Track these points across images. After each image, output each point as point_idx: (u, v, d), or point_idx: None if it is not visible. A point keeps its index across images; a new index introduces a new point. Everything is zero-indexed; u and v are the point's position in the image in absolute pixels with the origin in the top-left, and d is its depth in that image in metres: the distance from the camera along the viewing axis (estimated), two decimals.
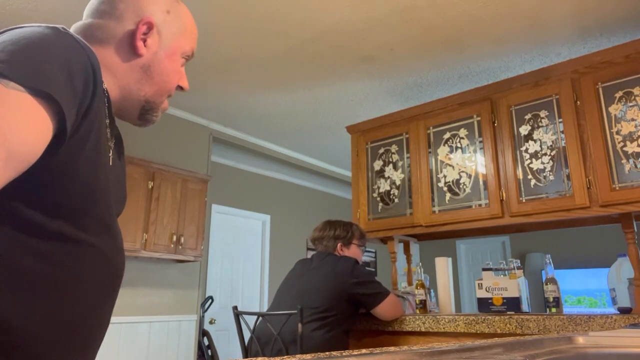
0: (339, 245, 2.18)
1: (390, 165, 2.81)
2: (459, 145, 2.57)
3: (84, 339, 0.72)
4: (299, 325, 1.79)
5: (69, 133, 0.63)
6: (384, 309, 2.01)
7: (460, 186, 2.50)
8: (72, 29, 0.82)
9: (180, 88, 0.90)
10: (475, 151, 2.50)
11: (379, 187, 2.83)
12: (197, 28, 0.94)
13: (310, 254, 6.12)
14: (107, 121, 0.78)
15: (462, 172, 2.52)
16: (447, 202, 2.52)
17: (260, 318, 1.95)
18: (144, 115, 0.87)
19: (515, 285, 2.08)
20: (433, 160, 2.64)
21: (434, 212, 2.55)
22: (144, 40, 0.83)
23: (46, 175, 0.64)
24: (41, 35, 0.64)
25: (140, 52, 0.83)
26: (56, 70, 0.62)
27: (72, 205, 0.69)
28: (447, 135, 2.62)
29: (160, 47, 0.86)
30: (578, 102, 2.21)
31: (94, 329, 0.75)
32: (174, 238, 3.73)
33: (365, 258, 6.91)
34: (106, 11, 0.83)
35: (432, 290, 2.58)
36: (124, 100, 0.84)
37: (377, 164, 2.87)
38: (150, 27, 0.84)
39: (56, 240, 0.67)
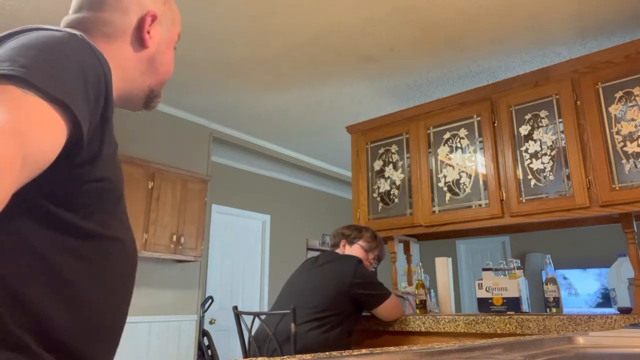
0: (342, 242, 2.20)
1: (390, 165, 2.81)
2: (459, 145, 2.57)
3: (115, 330, 0.76)
4: (292, 325, 1.78)
5: (85, 141, 0.65)
6: (385, 310, 2.01)
7: (460, 186, 2.50)
8: (64, 23, 0.82)
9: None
10: (475, 151, 2.50)
11: (379, 187, 2.83)
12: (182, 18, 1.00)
13: (310, 254, 6.12)
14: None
15: (462, 172, 2.52)
16: (447, 202, 2.52)
17: (257, 318, 1.95)
18: (149, 103, 0.90)
19: (515, 285, 2.08)
20: (433, 160, 2.64)
21: (434, 212, 2.55)
22: (149, 32, 0.85)
23: (71, 181, 0.67)
24: (61, 42, 0.66)
25: (147, 45, 0.85)
26: (73, 78, 0.63)
27: (97, 206, 0.71)
28: (447, 135, 2.63)
29: (162, 37, 0.88)
30: (578, 102, 2.21)
31: (122, 319, 0.78)
32: (174, 238, 3.74)
33: None
34: (109, 4, 0.82)
35: (432, 290, 2.58)
36: (128, 92, 0.86)
37: (377, 164, 2.87)
38: (154, 18, 0.85)
39: (86, 238, 0.70)
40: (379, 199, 2.81)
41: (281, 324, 1.83)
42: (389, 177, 2.80)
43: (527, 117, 2.36)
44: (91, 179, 0.69)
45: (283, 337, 1.84)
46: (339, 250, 2.20)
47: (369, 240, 2.19)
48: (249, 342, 1.98)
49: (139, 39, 0.84)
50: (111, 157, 0.73)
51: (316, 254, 2.28)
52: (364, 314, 2.13)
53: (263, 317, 1.94)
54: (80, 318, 0.68)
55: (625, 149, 2.05)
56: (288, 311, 1.80)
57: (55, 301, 0.65)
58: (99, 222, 0.72)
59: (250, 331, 1.96)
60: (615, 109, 2.11)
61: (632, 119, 2.06)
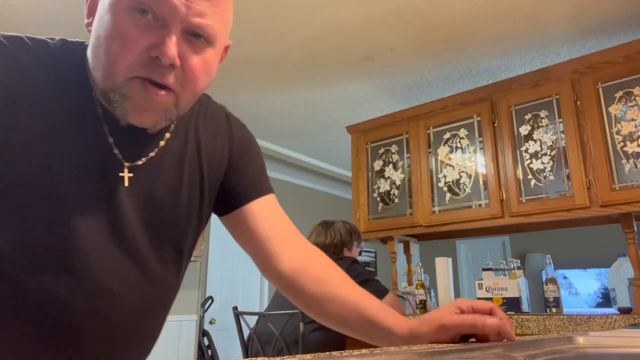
0: (344, 250, 2.20)
1: (390, 165, 2.81)
2: (459, 145, 2.57)
3: None
4: (301, 324, 1.78)
5: None
6: None
7: (460, 186, 2.50)
8: None
9: (156, 58, 0.59)
10: (475, 151, 2.50)
11: (379, 187, 2.83)
12: None
13: None
14: (104, 126, 0.66)
15: (462, 172, 2.52)
16: (447, 202, 2.52)
17: (261, 318, 1.95)
18: (114, 110, 0.63)
19: (515, 285, 2.08)
20: (433, 160, 2.64)
21: (434, 212, 2.55)
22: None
23: None
24: None
25: (87, 16, 0.65)
26: None
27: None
28: (447, 135, 2.63)
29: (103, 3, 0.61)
30: (578, 102, 2.21)
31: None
32: None
33: (365, 258, 6.91)
34: None
35: (432, 290, 2.58)
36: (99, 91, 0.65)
37: (377, 164, 2.87)
38: None
39: None
40: (379, 199, 2.81)
41: (288, 324, 1.83)
42: (389, 177, 2.80)
43: (527, 117, 2.36)
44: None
45: (290, 338, 1.84)
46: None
47: (357, 237, 2.27)
48: (250, 341, 1.98)
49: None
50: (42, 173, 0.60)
51: None
52: None
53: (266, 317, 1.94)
54: None
55: (625, 149, 2.05)
56: (297, 310, 1.80)
57: None
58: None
59: (253, 331, 1.96)
60: (615, 109, 2.11)
61: (632, 119, 2.06)
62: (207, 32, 0.62)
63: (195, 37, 0.61)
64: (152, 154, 0.70)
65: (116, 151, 0.66)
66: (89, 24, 0.64)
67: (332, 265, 0.84)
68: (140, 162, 0.68)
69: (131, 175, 0.67)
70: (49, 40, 0.67)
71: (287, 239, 0.85)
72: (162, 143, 0.71)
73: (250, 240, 0.84)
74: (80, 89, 0.65)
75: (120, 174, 0.66)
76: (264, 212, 0.85)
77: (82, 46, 0.68)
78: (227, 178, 0.82)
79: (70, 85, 0.65)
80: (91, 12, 0.64)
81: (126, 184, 0.66)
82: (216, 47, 0.65)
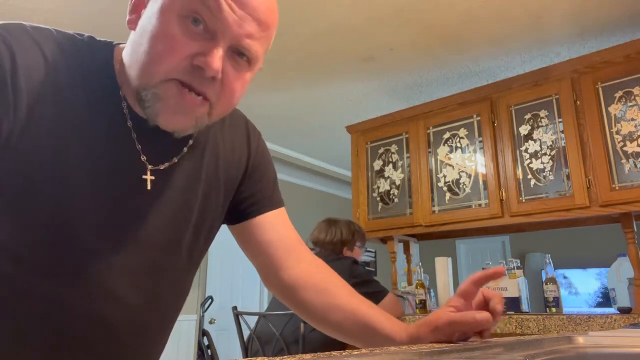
0: (345, 249, 2.20)
1: (390, 165, 2.81)
2: (459, 145, 2.57)
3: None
4: (301, 325, 1.78)
5: None
6: (384, 308, 2.01)
7: (460, 186, 2.50)
8: None
9: (199, 67, 0.58)
10: (475, 151, 2.50)
11: (379, 187, 2.83)
12: None
13: None
14: (130, 123, 0.65)
15: (462, 172, 2.52)
16: (447, 202, 2.52)
17: (262, 318, 1.95)
18: (144, 110, 0.62)
19: (515, 285, 2.08)
20: (433, 160, 2.64)
21: (434, 212, 2.55)
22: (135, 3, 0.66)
23: None
24: None
25: (131, 19, 0.65)
26: None
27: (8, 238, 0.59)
28: (447, 135, 2.62)
29: (150, 9, 0.61)
30: (578, 102, 2.21)
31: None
32: None
33: (365, 258, 6.92)
34: None
35: (432, 290, 2.58)
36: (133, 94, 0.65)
37: (377, 164, 2.87)
38: None
39: None
40: (379, 199, 2.81)
41: (288, 324, 1.83)
42: (389, 177, 2.80)
43: (527, 117, 2.36)
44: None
45: (290, 338, 1.84)
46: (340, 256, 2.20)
47: (361, 238, 2.27)
48: (250, 342, 1.98)
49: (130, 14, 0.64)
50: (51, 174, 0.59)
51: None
52: None
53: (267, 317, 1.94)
54: None
55: (625, 149, 2.05)
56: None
57: None
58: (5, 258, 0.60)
59: (253, 331, 1.96)
60: (615, 109, 2.11)
61: (632, 119, 2.06)
62: (251, 54, 0.63)
63: (240, 56, 0.62)
64: (175, 160, 0.69)
65: (140, 153, 0.65)
66: (132, 22, 0.63)
67: (332, 274, 0.84)
68: (162, 167, 0.67)
69: (153, 178, 0.66)
70: (77, 35, 0.66)
71: (293, 253, 0.84)
72: (185, 149, 0.70)
73: (257, 252, 0.84)
74: (106, 87, 0.64)
75: (144, 177, 0.65)
76: (275, 225, 0.84)
77: (110, 46, 0.68)
78: (242, 188, 0.82)
79: (96, 82, 0.64)
80: (135, 9, 0.64)
81: (149, 187, 0.65)
82: (254, 70, 0.66)
